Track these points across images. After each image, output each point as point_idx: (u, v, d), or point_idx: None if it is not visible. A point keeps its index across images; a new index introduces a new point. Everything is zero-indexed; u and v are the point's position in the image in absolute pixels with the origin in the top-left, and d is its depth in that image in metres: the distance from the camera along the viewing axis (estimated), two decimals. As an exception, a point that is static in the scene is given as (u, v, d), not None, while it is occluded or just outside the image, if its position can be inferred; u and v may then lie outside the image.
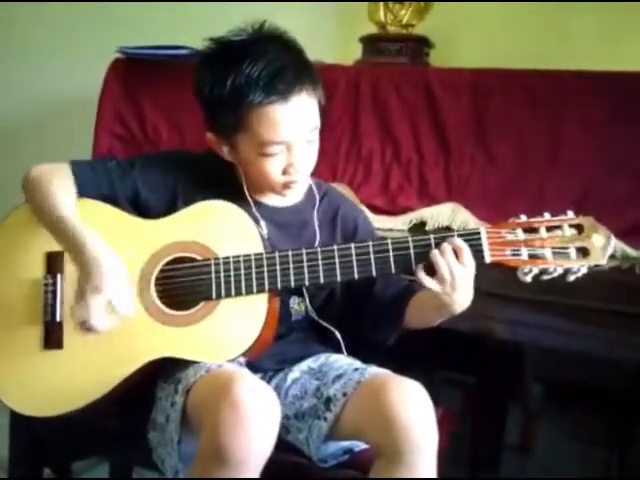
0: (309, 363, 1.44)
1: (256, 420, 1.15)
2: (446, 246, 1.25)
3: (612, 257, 1.65)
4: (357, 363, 1.39)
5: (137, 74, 2.28)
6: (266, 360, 1.41)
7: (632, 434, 1.83)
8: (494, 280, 1.55)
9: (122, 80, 2.30)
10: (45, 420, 1.34)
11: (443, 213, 1.91)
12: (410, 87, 2.05)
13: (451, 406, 1.66)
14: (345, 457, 1.35)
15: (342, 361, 1.42)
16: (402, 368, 1.31)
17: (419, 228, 1.93)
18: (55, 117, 2.83)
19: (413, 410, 1.20)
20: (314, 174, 1.49)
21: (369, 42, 2.23)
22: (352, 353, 1.46)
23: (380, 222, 1.93)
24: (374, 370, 1.34)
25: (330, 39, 2.44)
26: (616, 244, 1.69)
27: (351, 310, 1.47)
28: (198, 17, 2.49)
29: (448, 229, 1.90)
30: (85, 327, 1.31)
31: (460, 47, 2.27)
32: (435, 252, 1.25)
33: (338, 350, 1.46)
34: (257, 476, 1.18)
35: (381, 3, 2.21)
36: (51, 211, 1.36)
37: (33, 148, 2.78)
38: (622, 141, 1.84)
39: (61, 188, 1.38)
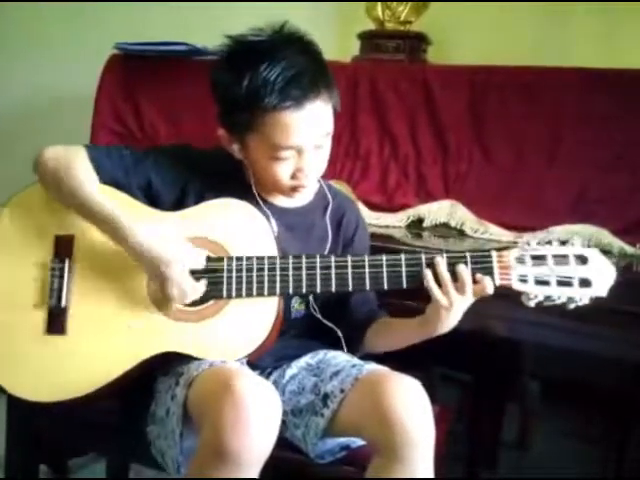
0: (307, 359, 1.44)
1: (257, 418, 1.15)
2: (443, 274, 1.27)
3: (610, 254, 1.66)
4: (355, 359, 1.40)
5: (134, 70, 2.28)
6: (265, 358, 1.41)
7: (630, 433, 1.83)
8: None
9: (119, 76, 2.30)
10: (43, 411, 1.34)
11: (440, 210, 1.92)
12: (408, 84, 2.05)
13: (449, 403, 1.66)
14: (342, 453, 1.35)
15: (340, 357, 1.42)
16: (400, 365, 1.32)
17: (416, 225, 1.93)
18: (52, 114, 2.82)
19: (410, 407, 1.20)
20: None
21: (367, 39, 2.23)
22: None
23: (377, 219, 1.94)
24: (372, 367, 1.34)
25: (328, 36, 2.42)
26: (614, 241, 1.70)
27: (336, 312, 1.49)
28: (198, 16, 2.49)
29: (445, 226, 1.90)
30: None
31: (458, 44, 2.27)
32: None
33: (335, 346, 1.46)
34: (258, 473, 1.18)
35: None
36: (85, 198, 1.34)
37: (30, 145, 2.77)
38: (620, 138, 1.84)
39: (85, 174, 1.36)
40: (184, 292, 1.31)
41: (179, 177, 1.42)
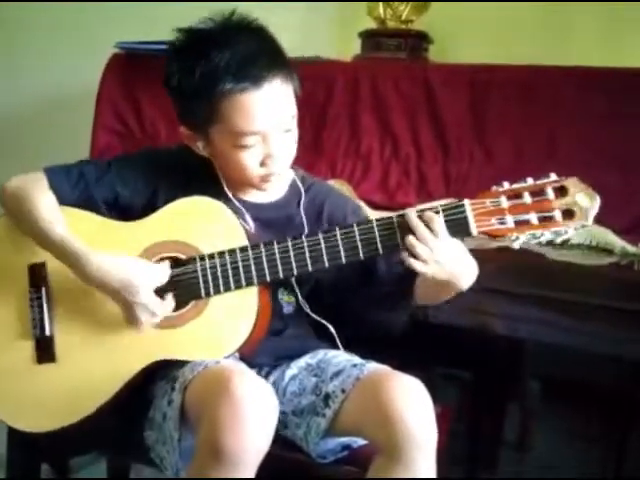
0: (307, 359, 1.43)
1: (254, 417, 1.15)
2: (415, 222, 1.23)
3: (611, 253, 1.66)
4: (356, 359, 1.38)
5: (135, 69, 2.27)
6: (262, 355, 1.40)
7: (630, 432, 1.83)
8: (493, 275, 1.55)
9: (120, 76, 2.29)
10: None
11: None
12: (409, 83, 2.05)
13: (449, 403, 1.66)
14: (344, 453, 1.34)
15: (340, 357, 1.40)
16: (401, 364, 1.31)
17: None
18: (53, 114, 2.82)
19: (412, 407, 1.19)
20: (301, 167, 1.48)
21: (368, 38, 2.23)
22: (355, 346, 1.46)
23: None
24: (373, 366, 1.33)
25: (329, 34, 2.43)
26: (615, 240, 1.70)
27: (351, 300, 1.45)
28: (198, 15, 2.48)
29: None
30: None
31: (459, 43, 2.27)
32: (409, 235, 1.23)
33: (334, 346, 1.45)
34: (254, 472, 1.18)
35: (380, -1, 2.21)
36: (41, 229, 1.32)
37: (32, 145, 2.78)
38: (620, 137, 1.84)
39: (43, 204, 1.34)
40: (153, 314, 1.30)
41: (147, 183, 1.41)
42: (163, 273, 1.32)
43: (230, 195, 1.41)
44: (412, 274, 1.31)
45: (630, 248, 1.68)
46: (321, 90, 2.09)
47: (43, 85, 2.85)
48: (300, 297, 1.43)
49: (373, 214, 1.92)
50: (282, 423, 1.35)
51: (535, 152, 1.92)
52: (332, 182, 2.00)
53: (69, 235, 1.32)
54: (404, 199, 1.98)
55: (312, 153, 2.07)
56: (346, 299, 1.45)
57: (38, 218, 1.33)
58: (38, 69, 2.85)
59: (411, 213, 1.24)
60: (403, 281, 1.36)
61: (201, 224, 1.34)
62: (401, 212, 1.27)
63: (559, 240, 1.24)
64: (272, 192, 1.44)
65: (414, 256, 1.23)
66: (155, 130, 2.27)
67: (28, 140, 2.85)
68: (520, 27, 2.21)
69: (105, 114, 2.30)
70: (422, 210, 1.25)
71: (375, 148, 2.07)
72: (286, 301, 1.44)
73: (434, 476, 1.22)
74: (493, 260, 1.70)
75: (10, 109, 2.93)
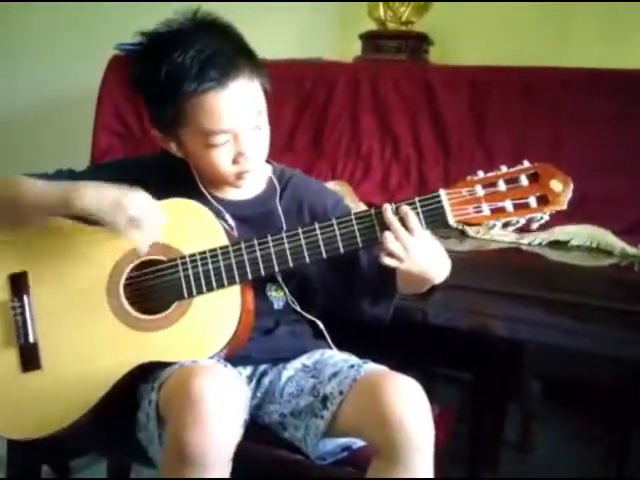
0: (303, 360, 1.42)
1: (214, 415, 1.13)
2: (391, 219, 1.24)
3: (611, 254, 1.66)
4: (353, 359, 1.38)
5: (136, 71, 2.27)
6: (256, 352, 1.40)
7: (631, 433, 1.83)
8: (493, 277, 1.55)
9: (121, 77, 2.29)
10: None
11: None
12: (409, 84, 2.05)
13: (449, 404, 1.66)
14: (343, 454, 1.34)
15: (337, 357, 1.40)
16: (399, 365, 1.31)
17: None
18: (54, 115, 2.83)
19: (409, 407, 1.19)
20: (299, 167, 1.48)
21: (369, 39, 2.23)
22: (355, 346, 1.45)
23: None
24: (370, 367, 1.32)
25: (330, 36, 2.44)
26: (615, 242, 1.70)
27: (338, 294, 1.45)
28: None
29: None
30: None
31: (459, 44, 2.27)
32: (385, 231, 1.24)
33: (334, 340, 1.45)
34: (225, 471, 1.17)
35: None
36: (24, 195, 1.31)
37: (33, 146, 2.79)
38: (621, 139, 1.84)
39: (20, 180, 1.34)
40: (149, 210, 1.27)
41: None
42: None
43: (207, 195, 1.41)
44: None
45: (630, 249, 1.68)
46: (322, 91, 2.10)
47: (43, 86, 2.85)
48: (288, 293, 1.42)
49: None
50: (281, 425, 1.36)
51: (536, 153, 1.90)
52: (333, 183, 2.01)
53: (52, 184, 1.31)
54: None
55: (313, 154, 2.08)
56: (333, 293, 1.45)
57: (19, 185, 1.32)
58: (38, 70, 2.86)
59: (387, 209, 1.25)
60: (385, 273, 1.36)
61: (181, 226, 1.34)
62: (378, 206, 1.27)
63: (535, 226, 1.25)
64: (250, 188, 1.43)
65: (389, 252, 1.24)
66: (156, 131, 2.28)
67: (28, 141, 2.85)
68: (520, 28, 2.21)
69: (106, 115, 2.30)
70: (399, 203, 1.25)
71: (376, 149, 2.07)
72: (275, 296, 1.43)
73: (432, 476, 1.22)
74: (493, 261, 1.70)
75: (10, 110, 2.94)
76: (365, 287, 1.42)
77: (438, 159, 2.02)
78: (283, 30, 2.40)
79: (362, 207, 1.90)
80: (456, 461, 1.78)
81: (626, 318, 1.55)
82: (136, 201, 1.27)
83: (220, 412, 1.14)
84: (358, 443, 1.33)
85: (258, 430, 1.34)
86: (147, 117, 1.38)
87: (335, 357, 1.40)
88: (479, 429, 1.87)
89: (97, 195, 1.27)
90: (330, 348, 1.45)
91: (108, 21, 2.69)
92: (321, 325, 1.44)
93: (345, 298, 1.45)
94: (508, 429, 1.95)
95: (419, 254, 1.24)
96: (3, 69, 2.95)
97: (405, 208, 1.24)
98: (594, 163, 1.83)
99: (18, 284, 1.37)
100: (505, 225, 1.24)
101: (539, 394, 1.99)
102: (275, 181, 1.46)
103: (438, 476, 1.24)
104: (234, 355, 1.35)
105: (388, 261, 1.24)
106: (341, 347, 1.45)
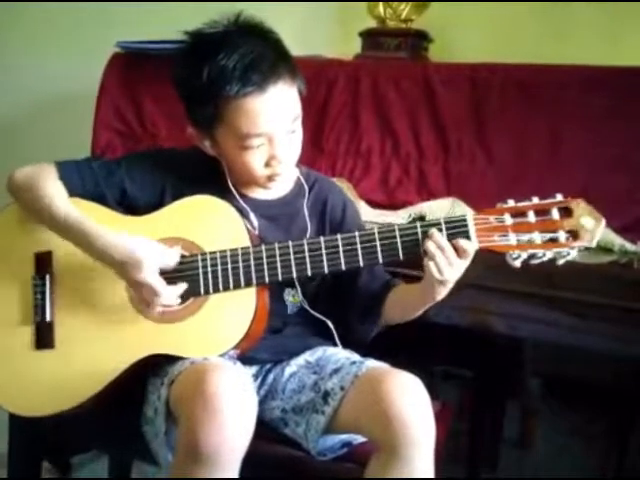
0: (306, 357, 1.43)
1: (230, 414, 1.14)
2: (443, 243, 1.24)
3: (610, 252, 1.66)
4: (355, 356, 1.39)
5: (136, 69, 2.27)
6: (263, 352, 1.41)
7: (631, 431, 1.83)
8: (492, 274, 1.55)
9: (121, 75, 2.29)
10: (42, 417, 1.35)
11: (442, 208, 1.91)
12: (409, 82, 2.05)
13: (450, 401, 1.66)
14: (343, 450, 1.35)
15: (339, 354, 1.41)
16: (400, 362, 1.32)
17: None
18: (54, 113, 2.83)
19: (410, 404, 1.20)
20: (303, 165, 1.48)
21: (368, 37, 2.23)
22: (346, 345, 1.46)
23: (379, 216, 1.93)
24: (372, 364, 1.33)
25: (329, 34, 2.44)
26: (615, 239, 1.70)
27: (339, 300, 1.47)
28: (198, 15, 2.48)
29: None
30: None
31: (459, 42, 2.27)
32: (434, 250, 1.24)
33: (334, 343, 1.46)
34: (235, 471, 1.18)
35: (381, -2, 2.21)
36: (53, 212, 1.35)
37: (32, 144, 2.78)
38: (621, 136, 1.83)
39: (53, 190, 1.37)
40: (156, 293, 1.30)
41: (155, 181, 1.42)
42: (171, 255, 1.33)
43: (236, 193, 1.42)
44: (384, 292, 1.38)
45: (629, 247, 1.68)
46: (322, 89, 2.10)
47: (43, 83, 2.85)
48: (302, 298, 1.43)
49: (373, 213, 1.94)
50: (282, 421, 1.36)
51: (536, 150, 1.91)
52: (334, 180, 2.01)
53: (81, 216, 1.33)
54: (404, 197, 1.98)
55: (313, 151, 2.07)
56: (338, 303, 1.47)
57: (51, 199, 1.35)
58: (37, 69, 2.85)
59: (437, 233, 1.25)
60: (375, 299, 1.40)
61: (205, 223, 1.36)
62: (407, 225, 1.28)
63: (561, 262, 1.22)
64: (277, 189, 1.45)
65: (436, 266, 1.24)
66: (156, 129, 2.28)
67: (28, 140, 2.85)
68: (520, 25, 2.21)
69: (106, 112, 2.30)
70: (427, 224, 1.26)
71: (375, 146, 2.06)
72: (291, 302, 1.45)
73: (432, 473, 1.22)
74: (493, 259, 1.70)
75: (9, 109, 2.94)
76: (358, 303, 1.44)
77: (438, 156, 2.02)
78: (283, 27, 2.39)
79: (363, 204, 1.91)
80: (456, 458, 1.78)
81: (626, 315, 1.55)
82: (147, 268, 1.29)
83: (234, 411, 1.15)
84: (358, 439, 1.34)
85: (259, 426, 1.34)
86: (185, 114, 1.40)
87: (338, 354, 1.42)
88: (479, 426, 1.87)
89: (111, 248, 1.30)
90: (336, 346, 1.45)
91: (108, 20, 2.68)
92: (331, 326, 1.45)
93: (337, 308, 1.47)
94: (508, 426, 1.95)
95: (450, 284, 1.26)
96: (3, 67, 2.94)
97: (463, 242, 1.23)
98: (593, 160, 1.83)
99: (42, 263, 1.40)
100: (530, 257, 1.22)
101: (539, 391, 1.99)
102: (303, 182, 1.48)
103: (437, 474, 1.24)
104: (244, 354, 1.36)
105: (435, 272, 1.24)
106: (343, 344, 1.46)
